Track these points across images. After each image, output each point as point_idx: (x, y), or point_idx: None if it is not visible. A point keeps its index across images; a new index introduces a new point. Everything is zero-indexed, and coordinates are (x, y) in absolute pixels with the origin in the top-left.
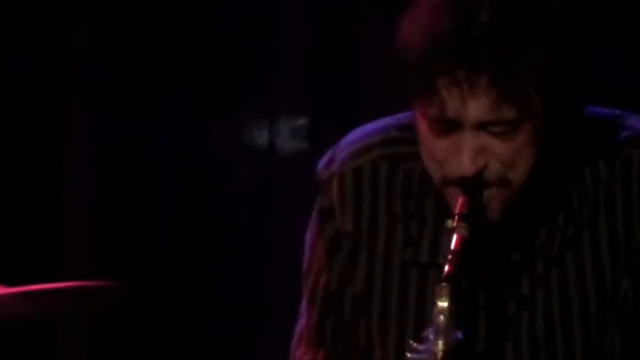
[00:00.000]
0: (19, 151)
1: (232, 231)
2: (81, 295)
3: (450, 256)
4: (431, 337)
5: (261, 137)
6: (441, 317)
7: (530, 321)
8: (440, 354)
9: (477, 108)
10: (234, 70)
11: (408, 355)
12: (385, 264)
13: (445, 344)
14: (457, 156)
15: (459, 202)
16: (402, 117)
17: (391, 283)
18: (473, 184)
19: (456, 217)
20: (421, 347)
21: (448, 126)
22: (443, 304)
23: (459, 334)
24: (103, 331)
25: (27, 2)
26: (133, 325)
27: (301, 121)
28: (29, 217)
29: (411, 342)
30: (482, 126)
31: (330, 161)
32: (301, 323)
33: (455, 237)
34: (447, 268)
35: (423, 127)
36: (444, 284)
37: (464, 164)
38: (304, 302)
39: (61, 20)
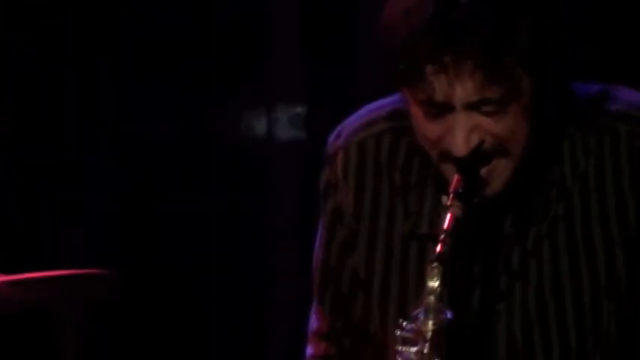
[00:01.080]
0: (19, 151)
1: (232, 218)
2: (75, 283)
3: (442, 236)
4: (421, 316)
5: (259, 126)
6: (431, 297)
7: (523, 294)
8: (429, 333)
9: (464, 91)
10: (232, 60)
11: (398, 333)
12: (386, 238)
13: (435, 324)
14: (451, 136)
15: (454, 180)
16: None
17: (392, 258)
18: (468, 162)
19: (451, 195)
20: (410, 326)
21: (439, 109)
22: (433, 284)
23: (449, 314)
24: (98, 319)
25: (27, 2)
26: (128, 312)
27: (299, 110)
28: (29, 217)
29: (401, 321)
30: (472, 106)
31: (338, 135)
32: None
33: (448, 216)
34: (438, 247)
35: (414, 110)
36: (434, 264)
37: (458, 144)
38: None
39: (61, 20)
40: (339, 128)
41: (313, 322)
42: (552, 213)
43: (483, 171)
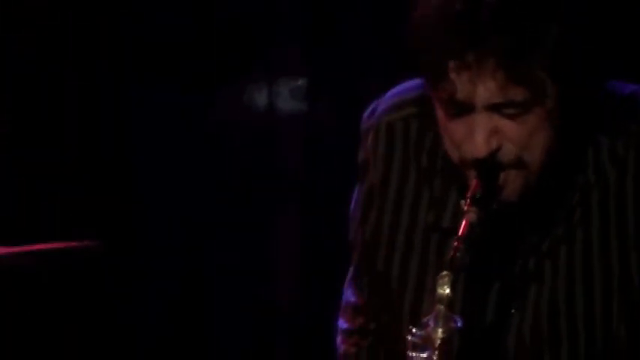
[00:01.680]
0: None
1: (235, 191)
2: (58, 255)
3: (455, 243)
4: (431, 323)
5: (261, 98)
6: (441, 306)
7: (537, 296)
8: (438, 341)
9: (485, 91)
10: (234, 34)
11: (409, 338)
12: (409, 224)
13: (444, 332)
14: (471, 138)
15: (472, 185)
16: None
17: (413, 246)
18: (487, 167)
19: (468, 200)
20: (420, 333)
21: (460, 108)
22: (443, 291)
23: (459, 322)
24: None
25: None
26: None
27: (300, 82)
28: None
29: (411, 327)
30: (493, 108)
31: (372, 112)
32: (350, 268)
33: (463, 222)
34: (450, 254)
35: (438, 109)
36: (445, 272)
37: (477, 146)
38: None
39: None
40: (374, 104)
41: (349, 296)
42: (572, 218)
43: (500, 178)
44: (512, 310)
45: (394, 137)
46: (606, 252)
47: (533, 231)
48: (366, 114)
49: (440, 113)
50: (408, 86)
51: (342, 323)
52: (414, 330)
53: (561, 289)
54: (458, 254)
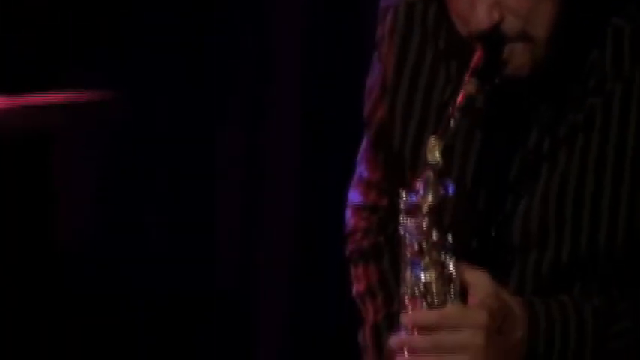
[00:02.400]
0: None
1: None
2: (78, 108)
3: (449, 110)
4: (421, 190)
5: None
6: (430, 172)
7: (547, 179)
8: (426, 208)
9: None
10: None
11: (400, 201)
12: (424, 103)
13: (434, 199)
14: (474, 10)
15: (474, 57)
16: None
17: (427, 124)
18: (490, 39)
19: (469, 71)
20: (412, 199)
21: None
22: (433, 158)
23: (450, 189)
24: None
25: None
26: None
27: None
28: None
29: (402, 192)
30: None
31: None
32: (364, 143)
33: (461, 92)
34: (444, 122)
35: None
36: (434, 138)
37: (479, 17)
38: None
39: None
40: None
41: (362, 171)
42: (589, 104)
43: (506, 52)
44: (521, 188)
45: (413, 17)
46: (622, 144)
47: (548, 112)
48: None
49: None
50: None
51: (355, 196)
52: (405, 196)
53: (572, 175)
54: (451, 122)
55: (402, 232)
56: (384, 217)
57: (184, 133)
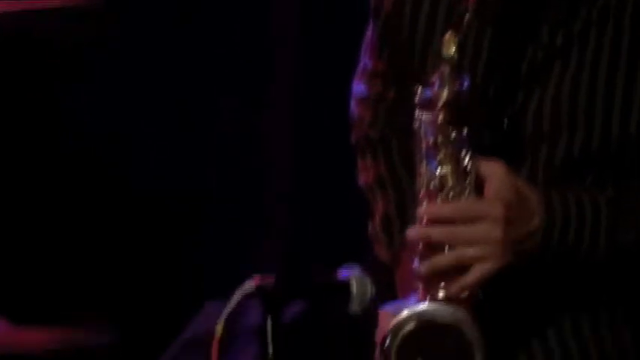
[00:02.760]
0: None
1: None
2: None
3: (463, 3)
4: (437, 84)
5: None
6: (446, 66)
7: (560, 75)
8: (442, 102)
9: None
10: None
11: (416, 97)
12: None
13: (449, 93)
14: None
15: None
16: None
17: (437, 15)
18: None
19: None
20: (427, 92)
21: None
22: (448, 52)
23: (466, 83)
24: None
25: None
26: None
27: None
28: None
29: (418, 86)
30: None
31: None
32: (368, 33)
33: None
34: (457, 17)
35: None
36: (450, 32)
37: None
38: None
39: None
40: None
41: (367, 61)
42: (602, 1)
43: None
44: (533, 82)
45: None
46: (636, 39)
47: (562, 7)
48: None
49: None
50: None
51: (359, 87)
52: (420, 89)
53: (585, 72)
54: (467, 15)
55: (416, 126)
56: (390, 109)
57: None
